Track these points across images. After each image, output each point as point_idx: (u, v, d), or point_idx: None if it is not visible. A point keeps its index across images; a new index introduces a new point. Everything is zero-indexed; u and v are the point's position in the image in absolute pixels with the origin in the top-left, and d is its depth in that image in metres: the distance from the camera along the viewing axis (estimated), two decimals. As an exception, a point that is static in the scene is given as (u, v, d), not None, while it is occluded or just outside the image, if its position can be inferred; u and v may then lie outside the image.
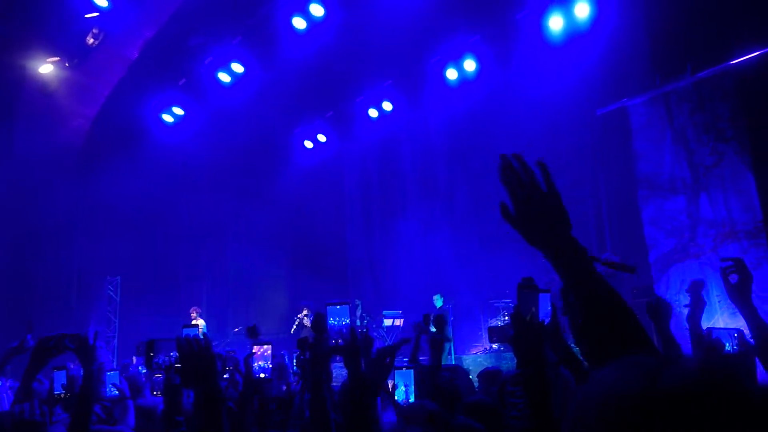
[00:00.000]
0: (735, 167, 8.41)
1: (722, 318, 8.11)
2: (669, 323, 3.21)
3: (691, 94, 8.91)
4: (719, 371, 0.61)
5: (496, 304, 11.00)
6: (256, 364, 2.99)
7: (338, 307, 2.82)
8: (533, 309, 1.92)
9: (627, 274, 7.44)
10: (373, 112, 12.54)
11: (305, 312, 11.19)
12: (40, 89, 11.21)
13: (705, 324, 8.10)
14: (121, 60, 11.57)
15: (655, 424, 0.59)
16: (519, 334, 1.81)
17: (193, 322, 10.81)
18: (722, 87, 8.61)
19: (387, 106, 12.31)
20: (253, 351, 3.02)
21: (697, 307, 3.48)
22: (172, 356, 2.72)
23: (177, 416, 2.53)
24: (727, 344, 4.47)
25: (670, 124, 9.12)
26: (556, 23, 9.82)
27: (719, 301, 8.30)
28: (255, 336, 3.84)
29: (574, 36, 9.79)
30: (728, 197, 8.46)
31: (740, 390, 0.59)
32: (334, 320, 2.80)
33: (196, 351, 1.88)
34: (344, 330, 2.40)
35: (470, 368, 8.58)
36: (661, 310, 3.13)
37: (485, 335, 11.22)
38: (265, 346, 3.06)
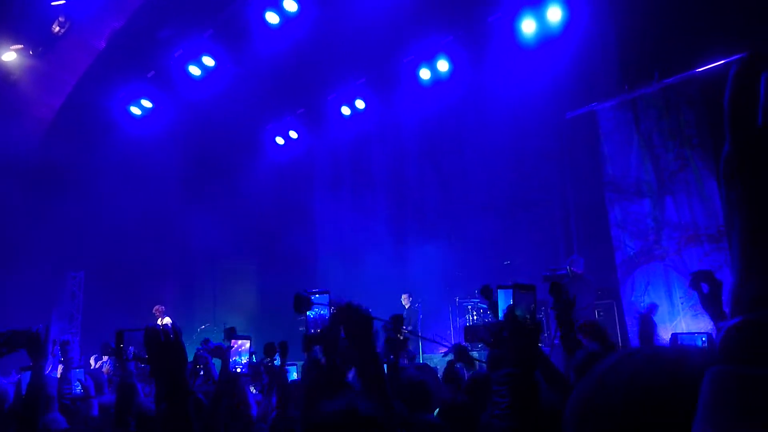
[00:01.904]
0: (699, 173, 8.63)
1: (684, 319, 8.32)
2: (653, 340, 3.26)
3: (658, 100, 9.11)
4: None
5: (464, 304, 11.07)
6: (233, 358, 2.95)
7: (317, 295, 2.81)
8: (529, 309, 1.93)
9: (595, 275, 7.53)
10: (345, 110, 12.50)
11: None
12: (2, 77, 10.87)
13: (668, 325, 8.29)
14: (88, 50, 11.30)
15: (683, 407, 0.60)
16: (511, 334, 1.82)
17: (158, 320, 10.62)
18: (688, 94, 8.83)
19: (360, 104, 12.28)
20: (231, 345, 2.99)
21: (648, 329, 3.61)
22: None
23: (128, 415, 2.49)
24: None
25: (637, 129, 9.31)
26: (528, 27, 9.92)
27: (682, 303, 8.51)
28: (231, 338, 3.81)
29: (546, 40, 9.91)
30: (692, 202, 8.67)
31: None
32: (314, 310, 2.78)
33: (164, 342, 1.85)
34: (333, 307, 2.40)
35: (438, 367, 8.61)
36: (646, 329, 3.19)
37: (453, 334, 11.29)
38: (243, 341, 3.03)
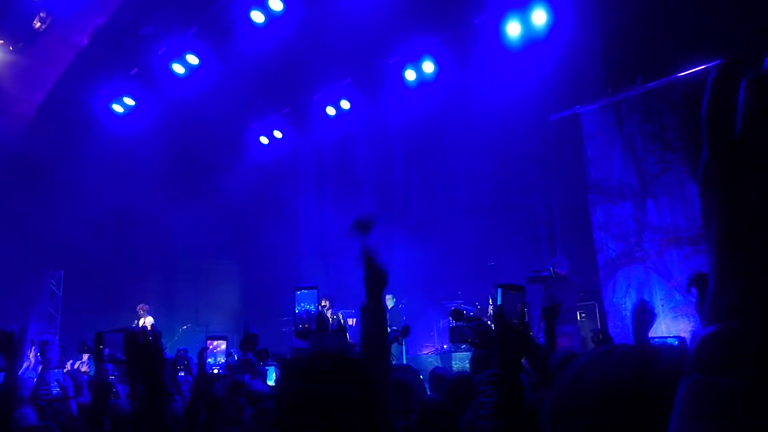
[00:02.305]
0: (680, 176, 8.74)
1: (664, 321, 8.41)
2: (647, 331, 3.28)
3: (641, 104, 9.21)
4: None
5: (448, 305, 11.09)
6: (209, 359, 2.93)
7: (306, 291, 2.81)
8: (519, 310, 1.93)
9: (579, 277, 7.60)
10: (330, 110, 12.47)
11: (325, 303, 10.16)
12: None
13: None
14: (70, 46, 11.16)
15: (652, 404, 0.62)
16: (499, 335, 1.82)
17: (141, 320, 10.51)
18: (669, 98, 8.94)
19: (345, 104, 12.26)
20: (207, 346, 2.96)
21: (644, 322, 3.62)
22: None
23: (103, 416, 2.46)
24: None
25: (619, 132, 9.41)
26: (513, 29, 9.98)
27: (662, 305, 8.61)
28: (251, 348, 3.80)
29: (531, 43, 9.98)
30: (673, 204, 8.78)
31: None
32: (302, 306, 2.78)
33: (142, 344, 1.85)
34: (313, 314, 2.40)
35: (421, 368, 8.62)
36: (643, 318, 3.21)
37: (437, 335, 11.32)
38: (219, 342, 3.01)
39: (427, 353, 10.96)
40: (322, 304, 9.84)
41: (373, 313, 2.08)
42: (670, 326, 8.25)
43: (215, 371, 2.91)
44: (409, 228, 12.45)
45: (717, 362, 0.49)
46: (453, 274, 11.41)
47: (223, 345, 3.01)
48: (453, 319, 3.88)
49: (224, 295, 14.23)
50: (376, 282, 2.16)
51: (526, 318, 1.97)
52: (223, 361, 2.98)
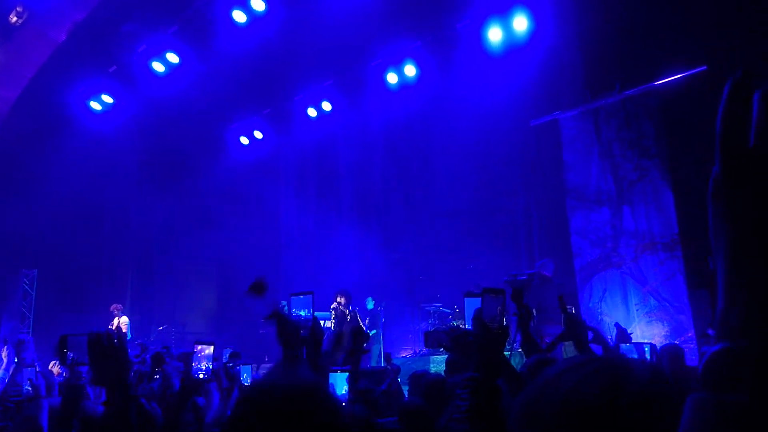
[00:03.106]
0: (656, 183, 8.87)
1: (639, 326, 8.53)
2: (586, 336, 3.31)
3: (619, 111, 9.34)
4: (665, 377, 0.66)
5: (427, 308, 11.12)
6: (195, 364, 2.90)
7: (301, 297, 2.80)
8: (498, 313, 1.91)
9: (558, 281, 7.67)
10: (312, 112, 12.43)
11: (342, 300, 9.49)
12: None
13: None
14: (47, 42, 10.98)
15: (619, 423, 0.62)
16: (478, 338, 1.82)
17: (115, 319, 10.36)
18: (647, 106, 9.07)
19: (326, 106, 12.23)
20: (194, 350, 2.94)
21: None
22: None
23: (73, 418, 2.43)
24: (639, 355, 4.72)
25: (598, 139, 9.53)
26: (495, 35, 10.04)
27: (637, 310, 8.74)
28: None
29: (512, 48, 10.05)
30: (649, 211, 8.90)
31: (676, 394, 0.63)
32: (294, 311, 2.78)
33: (106, 347, 1.83)
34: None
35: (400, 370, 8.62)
36: (574, 325, 3.23)
37: (415, 338, 11.34)
38: (205, 345, 2.98)
39: (406, 356, 10.97)
40: (338, 300, 9.47)
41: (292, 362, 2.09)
42: (645, 331, 8.36)
43: (201, 376, 2.89)
44: (389, 230, 12.47)
45: (726, 380, 0.50)
46: (432, 277, 11.45)
47: (209, 349, 2.98)
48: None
49: (202, 295, 14.10)
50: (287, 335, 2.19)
51: (505, 322, 1.97)
52: (210, 366, 2.95)
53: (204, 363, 2.92)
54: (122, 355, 1.86)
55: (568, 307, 3.68)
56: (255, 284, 2.81)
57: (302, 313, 2.78)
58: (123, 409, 1.78)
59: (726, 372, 0.50)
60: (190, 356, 2.91)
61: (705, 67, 8.33)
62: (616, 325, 5.53)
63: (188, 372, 2.86)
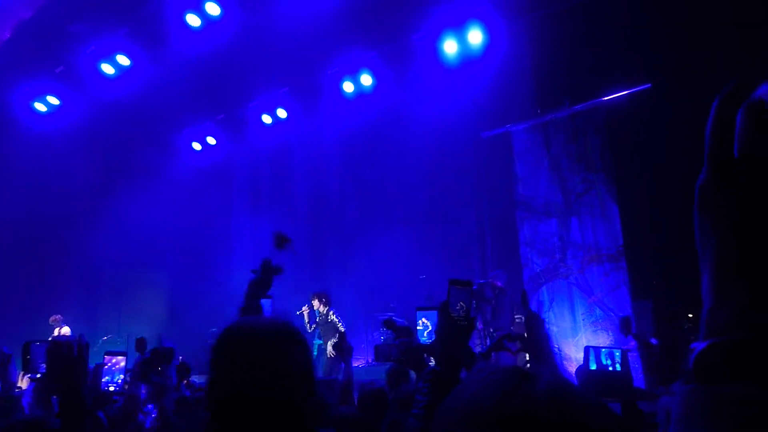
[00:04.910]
0: (602, 196, 9.14)
1: (585, 335, 8.74)
2: (542, 337, 3.34)
3: (567, 125, 9.61)
4: (565, 391, 0.65)
5: (379, 317, 11.10)
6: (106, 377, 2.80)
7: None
8: (463, 305, 1.84)
9: (511, 291, 7.76)
10: (266, 118, 12.32)
11: (315, 303, 9.41)
12: None
13: (571, 340, 8.66)
14: (-10, 39, 10.56)
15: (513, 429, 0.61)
16: (442, 331, 1.77)
17: (56, 330, 9.98)
18: (594, 121, 9.36)
19: (282, 113, 12.14)
20: (104, 363, 2.84)
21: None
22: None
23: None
24: (608, 361, 4.81)
25: (547, 152, 9.76)
26: (450, 47, 10.18)
27: (583, 320, 8.95)
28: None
29: (467, 61, 10.21)
30: (595, 223, 9.17)
31: (578, 411, 0.63)
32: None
33: (65, 355, 1.77)
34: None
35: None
36: (534, 325, 3.26)
37: (367, 347, 11.31)
38: (118, 358, 2.88)
39: (358, 365, 10.92)
40: (313, 304, 9.47)
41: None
42: (590, 340, 8.58)
43: (111, 389, 2.79)
44: (343, 239, 12.44)
45: (718, 372, 0.52)
46: (385, 286, 11.45)
47: (122, 362, 2.89)
48: (387, 328, 3.86)
49: (151, 305, 13.71)
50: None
51: (472, 314, 1.90)
52: (122, 379, 2.86)
53: (118, 376, 2.83)
54: (82, 366, 1.80)
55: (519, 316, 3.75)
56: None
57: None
58: (77, 421, 1.72)
59: (718, 365, 0.53)
60: (100, 368, 2.82)
61: (649, 85, 8.65)
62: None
63: (97, 385, 2.76)
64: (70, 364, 1.77)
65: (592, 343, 8.29)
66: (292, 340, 1.30)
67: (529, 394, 0.65)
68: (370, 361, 10.90)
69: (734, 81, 0.59)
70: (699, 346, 0.56)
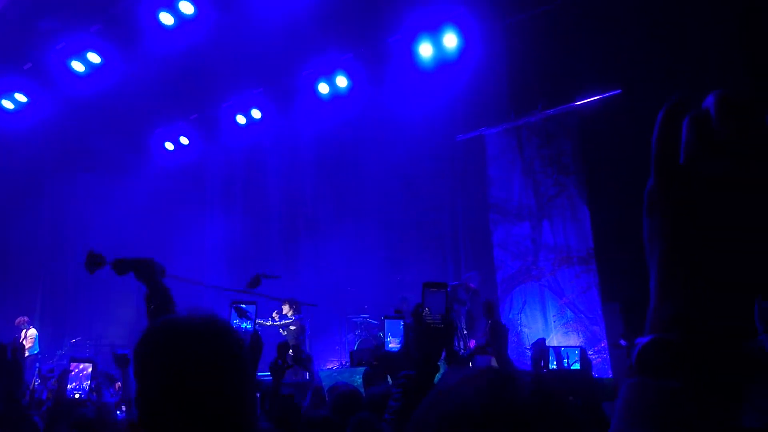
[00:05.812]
0: (573, 199, 9.28)
1: (556, 336, 8.85)
2: (506, 345, 3.37)
3: (540, 129, 9.73)
4: (549, 389, 0.67)
5: (354, 319, 11.10)
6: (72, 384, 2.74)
7: (243, 306, 2.74)
8: (441, 308, 1.82)
9: (485, 293, 7.83)
10: (240, 119, 12.22)
11: (285, 310, 9.48)
12: None
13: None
14: (-45, 35, 10.28)
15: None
16: (417, 335, 1.75)
17: (23, 332, 9.76)
18: (566, 125, 9.50)
19: (256, 113, 12.05)
20: (70, 369, 2.77)
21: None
22: None
23: None
24: (566, 360, 4.91)
25: (520, 155, 9.87)
26: (425, 50, 10.24)
27: (555, 321, 9.07)
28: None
29: (442, 64, 10.28)
30: (567, 226, 9.29)
31: (562, 406, 0.67)
32: (235, 323, 2.70)
33: (2, 359, 1.73)
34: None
35: (325, 383, 8.54)
36: (498, 333, 3.29)
37: (341, 349, 11.29)
38: (85, 365, 2.82)
39: (332, 367, 10.89)
40: (284, 312, 9.69)
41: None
42: (561, 341, 8.68)
43: (77, 396, 2.73)
44: (317, 241, 12.39)
45: (659, 367, 0.55)
46: (360, 288, 11.44)
47: (89, 369, 2.82)
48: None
49: (122, 306, 13.48)
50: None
51: (449, 317, 1.86)
52: (87, 387, 2.79)
53: (85, 382, 2.76)
54: (17, 370, 1.77)
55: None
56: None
57: (244, 325, 2.71)
58: (14, 425, 1.69)
59: (659, 360, 0.56)
60: (65, 375, 2.75)
61: (620, 91, 8.81)
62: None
63: (61, 392, 2.69)
64: (6, 368, 1.74)
65: (563, 344, 8.42)
66: (223, 333, 1.27)
67: (516, 394, 0.67)
68: (344, 363, 10.88)
69: (680, 93, 0.62)
70: (642, 341, 0.58)
